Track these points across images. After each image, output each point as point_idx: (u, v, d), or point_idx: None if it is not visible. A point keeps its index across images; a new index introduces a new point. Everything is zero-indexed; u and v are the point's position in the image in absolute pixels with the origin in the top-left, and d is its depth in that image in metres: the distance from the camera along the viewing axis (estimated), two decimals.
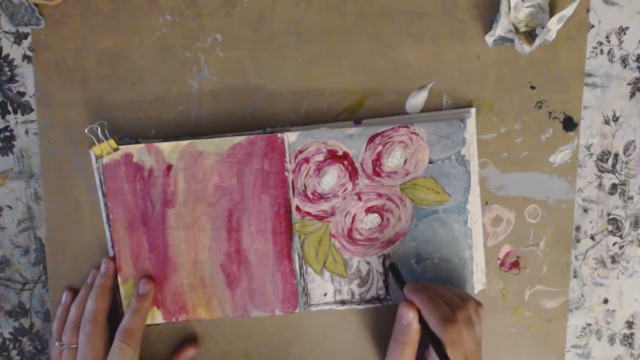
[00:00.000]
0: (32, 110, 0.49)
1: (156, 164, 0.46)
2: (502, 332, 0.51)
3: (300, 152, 0.46)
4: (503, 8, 0.45)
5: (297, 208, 0.47)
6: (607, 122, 0.50)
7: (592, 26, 0.48)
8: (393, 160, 0.46)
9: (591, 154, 0.50)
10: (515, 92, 0.48)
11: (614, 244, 0.51)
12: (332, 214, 0.47)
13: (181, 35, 0.48)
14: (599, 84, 0.49)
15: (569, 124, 0.49)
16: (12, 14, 0.47)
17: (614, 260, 0.51)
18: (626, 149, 0.50)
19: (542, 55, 0.48)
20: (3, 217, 0.50)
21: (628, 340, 0.52)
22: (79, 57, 0.48)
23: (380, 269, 0.48)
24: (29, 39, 0.48)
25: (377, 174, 0.47)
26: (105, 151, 0.46)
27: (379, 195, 0.47)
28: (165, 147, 0.46)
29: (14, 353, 0.51)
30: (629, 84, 0.49)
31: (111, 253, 0.48)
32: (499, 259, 0.50)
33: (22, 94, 0.49)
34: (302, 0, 0.48)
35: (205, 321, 0.50)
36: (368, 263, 0.47)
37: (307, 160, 0.46)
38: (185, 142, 0.46)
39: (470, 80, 0.48)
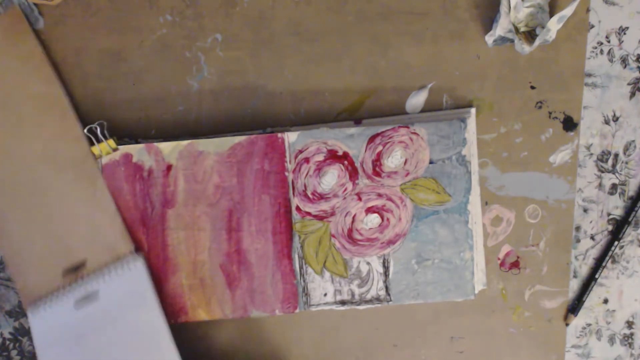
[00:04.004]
0: None
1: (156, 164, 0.46)
2: (502, 332, 0.51)
3: (301, 152, 0.46)
4: (503, 8, 0.45)
5: (297, 208, 0.47)
6: (607, 122, 0.50)
7: (592, 26, 0.48)
8: (393, 160, 0.46)
9: (591, 154, 0.50)
10: (515, 92, 0.48)
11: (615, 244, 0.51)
12: (332, 214, 0.47)
13: (181, 35, 0.48)
14: (599, 84, 0.49)
15: (569, 124, 0.49)
16: None
17: (614, 260, 0.51)
18: (626, 149, 0.50)
19: (542, 55, 0.48)
20: None
21: (628, 340, 0.52)
22: (79, 57, 0.48)
23: (381, 269, 0.48)
24: None
25: (377, 174, 0.46)
26: (105, 151, 0.46)
27: (379, 195, 0.47)
28: (165, 147, 0.46)
29: (13, 353, 0.51)
30: (629, 84, 0.49)
31: None
32: (499, 259, 0.50)
33: None
34: (302, 0, 0.48)
35: (205, 321, 0.50)
36: (368, 263, 0.47)
37: (307, 160, 0.46)
38: (185, 142, 0.46)
39: (470, 80, 0.48)
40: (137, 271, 0.45)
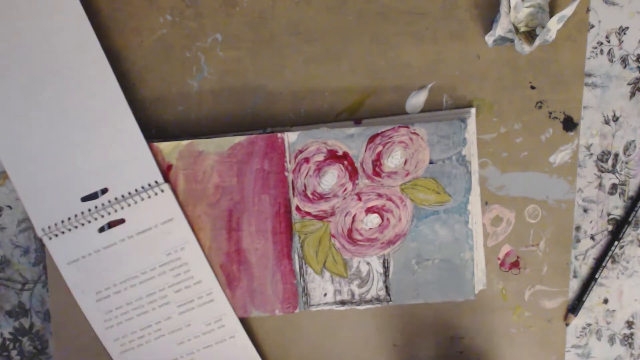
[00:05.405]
0: None
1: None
2: (502, 332, 0.51)
3: (300, 152, 0.46)
4: (503, 8, 0.45)
5: (297, 208, 0.47)
6: (607, 122, 0.50)
7: (592, 26, 0.48)
8: (393, 160, 0.46)
9: (591, 154, 0.50)
10: (515, 92, 0.48)
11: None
12: (332, 214, 0.47)
13: (181, 35, 0.48)
14: (599, 84, 0.49)
15: (569, 124, 0.49)
16: None
17: (614, 260, 0.51)
18: (626, 149, 0.50)
19: (542, 55, 0.48)
20: (3, 217, 0.50)
21: (628, 340, 0.52)
22: None
23: (381, 270, 0.48)
24: None
25: (377, 174, 0.47)
26: None
27: (379, 195, 0.47)
28: (165, 147, 0.46)
29: (14, 353, 0.51)
30: (629, 84, 0.49)
31: None
32: (499, 259, 0.50)
33: None
34: (302, 0, 0.48)
35: None
36: (368, 263, 0.47)
37: (307, 160, 0.46)
38: (185, 142, 0.46)
39: (470, 80, 0.48)
40: (164, 198, 0.45)
